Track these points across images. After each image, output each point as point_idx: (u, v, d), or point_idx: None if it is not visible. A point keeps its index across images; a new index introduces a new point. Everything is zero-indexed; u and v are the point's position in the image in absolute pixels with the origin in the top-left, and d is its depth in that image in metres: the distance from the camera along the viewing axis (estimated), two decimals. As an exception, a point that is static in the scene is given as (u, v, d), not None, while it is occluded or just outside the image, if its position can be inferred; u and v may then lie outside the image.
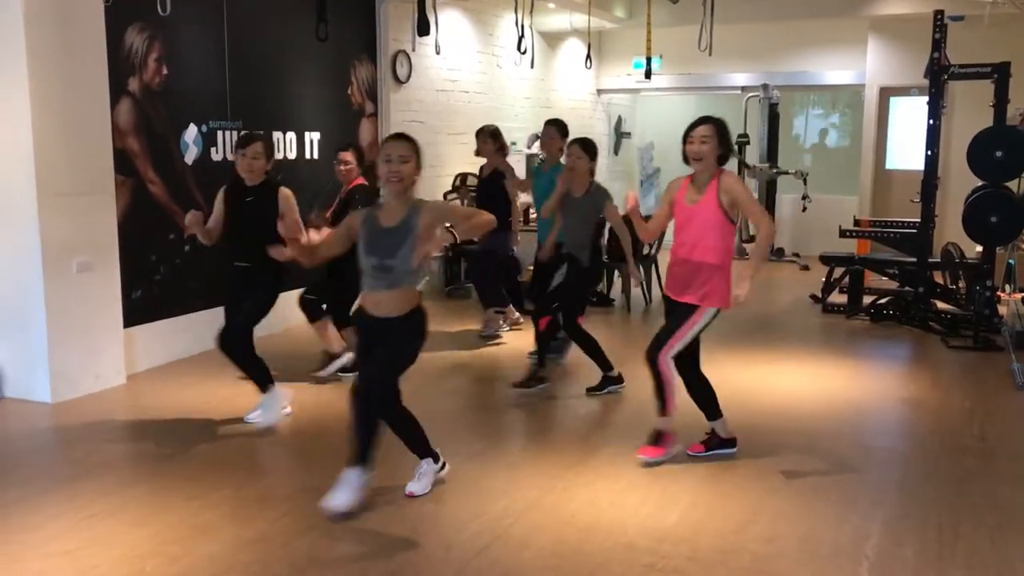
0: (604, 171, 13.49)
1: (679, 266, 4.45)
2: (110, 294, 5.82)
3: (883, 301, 8.26)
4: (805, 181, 11.61)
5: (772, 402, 5.65)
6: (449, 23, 9.41)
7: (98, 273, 5.71)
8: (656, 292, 8.25)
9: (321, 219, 5.67)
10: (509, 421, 5.29)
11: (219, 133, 6.85)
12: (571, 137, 6.19)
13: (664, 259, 5.22)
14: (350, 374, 5.75)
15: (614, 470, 4.43)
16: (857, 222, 9.30)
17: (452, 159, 9.72)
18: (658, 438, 4.53)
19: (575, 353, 6.12)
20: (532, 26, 9.32)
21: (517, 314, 7.53)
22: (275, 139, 7.46)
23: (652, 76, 8.73)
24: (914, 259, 8.00)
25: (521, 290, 7.59)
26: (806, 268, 11.20)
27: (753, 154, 12.20)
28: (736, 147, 11.99)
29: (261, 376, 5.03)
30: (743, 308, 8.41)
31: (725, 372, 6.28)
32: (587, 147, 5.74)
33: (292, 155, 7.66)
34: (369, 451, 3.87)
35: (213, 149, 6.82)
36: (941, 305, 7.98)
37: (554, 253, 6.04)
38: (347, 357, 5.99)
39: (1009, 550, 3.61)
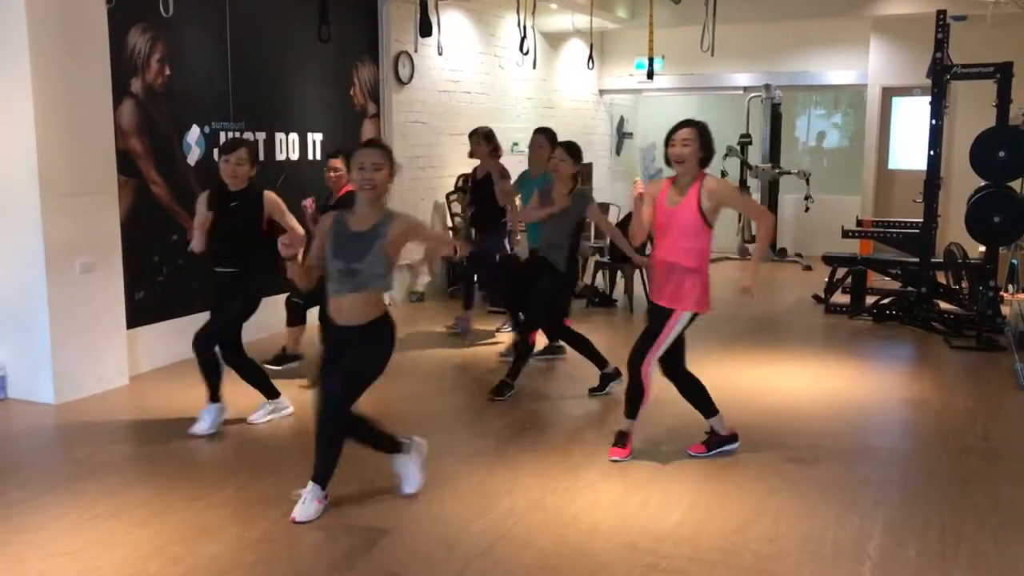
0: (606, 171, 13.52)
1: (658, 268, 4.48)
2: (113, 295, 5.83)
3: (886, 301, 8.26)
4: (808, 181, 11.60)
5: (774, 402, 5.64)
6: (451, 24, 9.42)
7: (101, 274, 5.72)
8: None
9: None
10: (510, 421, 5.29)
11: (221, 134, 6.85)
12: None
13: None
14: (278, 367, 6.15)
15: (616, 470, 4.43)
16: (860, 222, 9.28)
17: (454, 160, 9.72)
18: (623, 438, 4.60)
19: (573, 354, 6.10)
20: (534, 27, 9.33)
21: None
22: (278, 140, 7.48)
23: (654, 76, 8.72)
24: (917, 259, 7.99)
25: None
26: (808, 268, 11.19)
27: (756, 154, 12.20)
28: (739, 148, 12.02)
29: (215, 383, 5.00)
30: (745, 308, 8.47)
31: (728, 372, 6.29)
32: (571, 150, 5.72)
33: (295, 156, 7.66)
34: (328, 467, 3.85)
35: (215, 150, 6.82)
36: (944, 305, 7.97)
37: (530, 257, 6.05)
38: (299, 363, 6.33)
39: (1012, 550, 3.61)
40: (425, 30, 7.10)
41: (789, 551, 3.57)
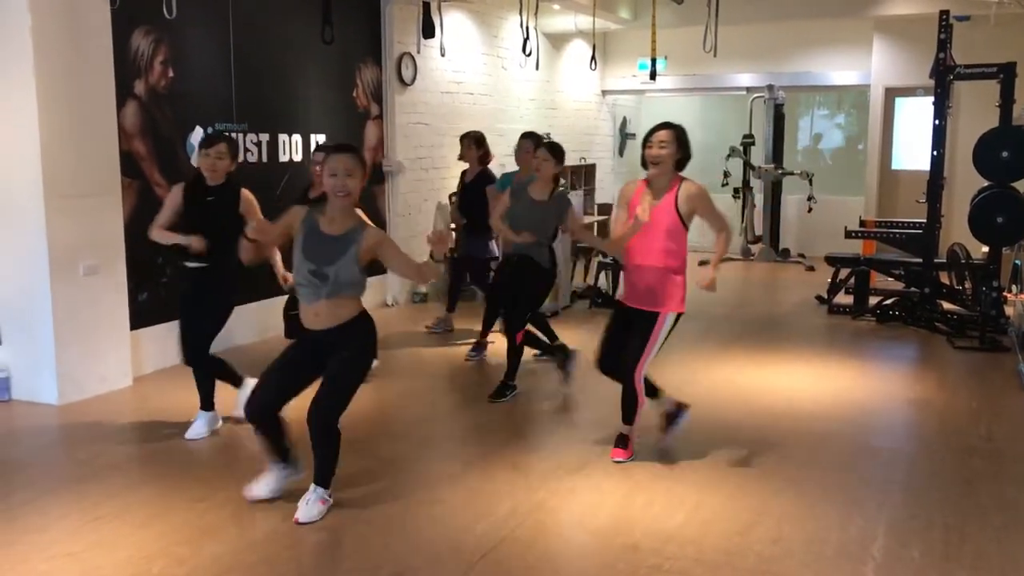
0: (609, 172, 13.53)
1: (635, 273, 4.45)
2: (117, 296, 5.84)
3: (889, 302, 8.25)
4: (811, 182, 11.59)
5: (777, 402, 5.64)
6: (454, 25, 9.42)
7: (104, 275, 5.72)
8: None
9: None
10: (513, 422, 5.29)
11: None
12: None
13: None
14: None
15: (619, 471, 4.43)
16: (863, 223, 9.28)
17: (457, 161, 9.72)
18: (625, 440, 4.59)
19: (578, 356, 6.09)
20: (537, 28, 9.33)
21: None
22: (281, 142, 7.48)
23: (657, 77, 8.73)
24: (920, 260, 7.98)
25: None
26: (811, 269, 11.18)
27: (759, 155, 12.19)
28: (742, 148, 12.01)
29: (208, 391, 5.00)
30: (747, 309, 8.46)
31: (730, 372, 6.29)
32: (554, 151, 5.70)
33: (298, 157, 7.67)
34: (328, 469, 3.88)
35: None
36: (947, 306, 7.96)
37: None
38: None
39: (1016, 551, 3.60)
40: (428, 31, 7.12)
41: (793, 552, 3.57)
